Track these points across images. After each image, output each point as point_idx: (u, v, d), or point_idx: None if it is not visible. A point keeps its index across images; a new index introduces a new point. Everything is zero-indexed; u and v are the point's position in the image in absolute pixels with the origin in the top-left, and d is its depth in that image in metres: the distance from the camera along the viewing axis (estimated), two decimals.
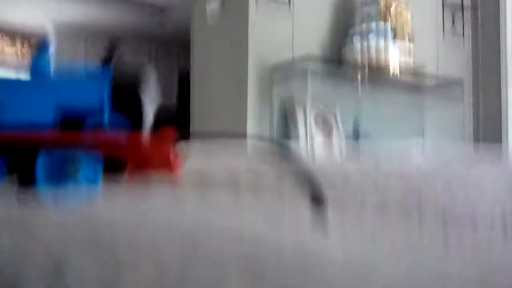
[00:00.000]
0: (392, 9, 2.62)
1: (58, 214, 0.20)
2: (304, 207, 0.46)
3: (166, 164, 0.38)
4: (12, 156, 0.34)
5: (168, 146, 0.39)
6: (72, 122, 0.34)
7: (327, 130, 2.58)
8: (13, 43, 6.26)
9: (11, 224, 0.18)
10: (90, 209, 0.21)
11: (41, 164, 0.34)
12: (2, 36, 6.15)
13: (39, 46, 0.37)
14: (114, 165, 0.37)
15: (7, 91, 0.33)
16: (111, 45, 0.38)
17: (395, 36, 2.59)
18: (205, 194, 0.28)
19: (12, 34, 6.20)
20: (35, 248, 0.17)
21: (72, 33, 6.01)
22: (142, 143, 0.37)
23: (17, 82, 0.35)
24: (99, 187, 0.35)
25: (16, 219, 0.19)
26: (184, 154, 0.40)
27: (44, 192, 0.34)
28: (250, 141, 0.54)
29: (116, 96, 0.36)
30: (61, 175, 0.34)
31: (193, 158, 0.46)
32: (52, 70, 0.36)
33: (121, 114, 0.36)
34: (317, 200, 0.48)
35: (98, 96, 0.35)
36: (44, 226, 0.18)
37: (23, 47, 6.34)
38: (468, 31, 3.33)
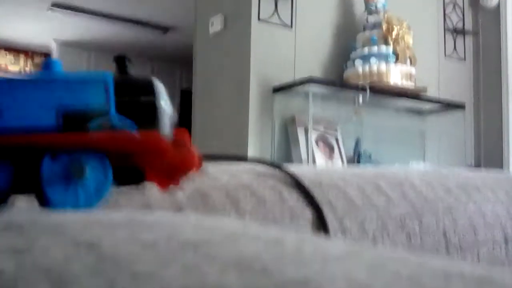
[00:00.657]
0: (394, 33, 2.64)
1: (62, 235, 0.20)
2: (306, 232, 0.46)
3: (187, 163, 0.35)
4: (17, 161, 0.33)
5: (187, 145, 0.36)
6: (76, 123, 0.33)
7: (328, 152, 2.58)
8: (17, 61, 6.31)
9: (14, 250, 0.18)
10: (92, 230, 0.21)
11: (46, 169, 0.32)
12: (6, 54, 6.20)
13: (44, 64, 0.36)
14: (131, 170, 0.35)
15: (7, 93, 0.32)
16: (120, 60, 0.37)
17: (396, 60, 2.60)
18: (206, 218, 0.28)
19: (16, 51, 6.25)
20: (36, 270, 0.16)
21: (75, 51, 6.06)
22: (159, 140, 0.34)
23: (17, 82, 0.33)
24: (108, 192, 0.34)
25: (19, 242, 0.19)
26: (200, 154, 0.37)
27: (50, 199, 0.32)
28: (251, 164, 0.54)
29: (127, 103, 0.34)
30: (67, 180, 0.33)
31: (192, 179, 0.46)
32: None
33: (129, 118, 0.34)
34: (320, 225, 0.47)
35: (103, 96, 0.34)
36: (47, 249, 0.18)
37: (27, 64, 6.38)
38: (469, 55, 3.36)
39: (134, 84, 0.36)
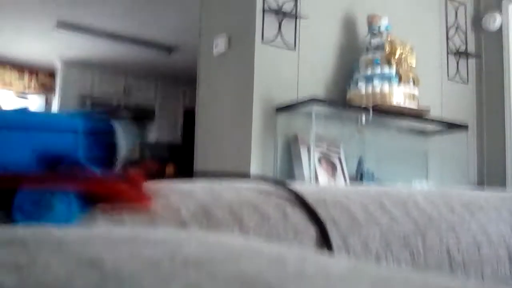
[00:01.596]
0: (397, 54, 2.65)
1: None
2: (310, 250, 0.45)
3: (137, 199, 0.41)
4: None
5: (139, 184, 0.43)
6: (48, 163, 0.38)
7: (331, 171, 2.58)
8: (21, 78, 6.34)
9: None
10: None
11: (18, 204, 0.36)
12: (10, 70, 6.23)
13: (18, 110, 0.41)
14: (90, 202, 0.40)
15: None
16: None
17: (399, 81, 2.61)
18: (209, 234, 0.27)
19: (21, 68, 6.29)
20: (38, 286, 0.16)
21: (80, 70, 6.09)
22: (112, 180, 0.40)
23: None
24: (75, 222, 0.38)
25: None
26: (154, 194, 0.44)
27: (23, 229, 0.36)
28: (254, 181, 0.54)
29: (93, 141, 0.41)
30: (37, 214, 0.37)
31: (195, 195, 0.46)
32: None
33: (97, 158, 0.40)
34: (323, 242, 0.47)
35: (73, 139, 0.40)
36: (49, 265, 0.18)
37: (31, 80, 6.41)
38: (472, 77, 3.37)
39: (99, 128, 0.43)
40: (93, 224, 0.37)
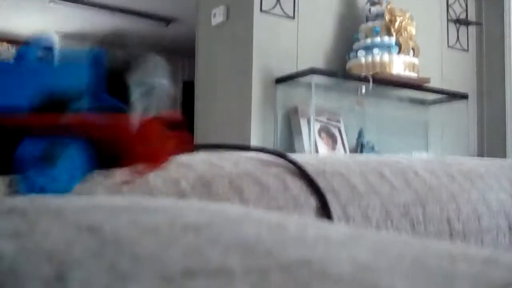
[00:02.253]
0: (397, 24, 2.62)
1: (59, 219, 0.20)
2: (310, 219, 0.46)
3: (152, 158, 0.34)
4: None
5: (155, 138, 0.35)
6: (54, 106, 0.31)
7: (331, 143, 2.58)
8: None
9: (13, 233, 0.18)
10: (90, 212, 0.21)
11: (21, 152, 0.31)
12: (8, 47, 6.20)
13: (18, 54, 0.35)
14: (108, 154, 0.34)
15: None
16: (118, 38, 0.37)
17: (399, 50, 2.59)
18: (209, 203, 0.27)
19: (18, 44, 6.25)
20: (38, 253, 0.16)
21: (77, 43, 6.05)
22: (123, 130, 0.33)
23: None
24: (86, 177, 0.33)
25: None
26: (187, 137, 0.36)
27: (23, 183, 0.31)
28: (254, 153, 0.53)
29: (109, 82, 0.33)
30: (42, 164, 0.31)
31: (194, 167, 0.46)
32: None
33: (117, 100, 0.32)
34: (323, 213, 0.47)
35: (82, 79, 0.32)
36: (49, 232, 0.18)
37: None
38: (472, 45, 3.34)
39: (122, 62, 0.34)
40: (92, 194, 0.36)
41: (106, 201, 0.23)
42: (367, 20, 2.74)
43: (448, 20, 3.24)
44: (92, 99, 0.32)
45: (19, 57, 0.33)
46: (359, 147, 2.67)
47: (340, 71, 2.68)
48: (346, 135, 2.65)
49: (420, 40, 2.72)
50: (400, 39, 2.61)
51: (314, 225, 0.21)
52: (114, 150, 0.34)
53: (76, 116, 0.32)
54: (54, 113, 0.31)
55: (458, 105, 2.96)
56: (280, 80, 2.54)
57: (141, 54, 0.35)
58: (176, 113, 0.36)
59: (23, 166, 0.31)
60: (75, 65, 0.33)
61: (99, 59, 0.33)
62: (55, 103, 0.31)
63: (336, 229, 0.22)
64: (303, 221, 0.22)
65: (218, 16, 2.75)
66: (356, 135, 2.69)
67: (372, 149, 2.68)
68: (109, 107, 0.32)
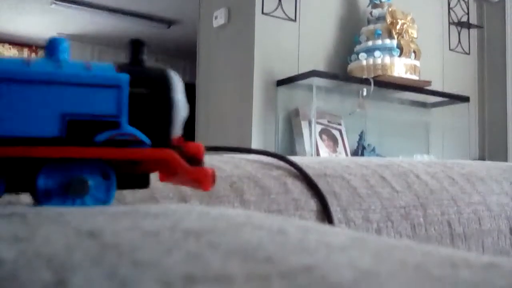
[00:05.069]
0: (398, 26, 2.62)
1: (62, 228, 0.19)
2: (311, 223, 0.45)
3: (201, 185, 0.31)
4: (11, 174, 0.28)
5: (199, 163, 0.32)
6: (81, 133, 0.28)
7: (332, 145, 2.58)
8: (21, 55, 6.31)
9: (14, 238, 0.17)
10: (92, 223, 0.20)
11: (42, 183, 0.28)
12: (9, 48, 6.20)
13: (49, 46, 0.31)
14: (136, 182, 0.32)
15: (3, 96, 0.27)
16: (135, 45, 0.33)
17: (401, 53, 2.59)
18: (210, 208, 0.27)
19: (20, 45, 6.25)
20: (38, 258, 0.16)
21: (79, 45, 6.06)
22: (173, 159, 0.30)
23: (16, 83, 0.27)
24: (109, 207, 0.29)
25: (20, 232, 0.18)
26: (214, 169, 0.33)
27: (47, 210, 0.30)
28: (255, 155, 0.53)
29: (137, 103, 0.30)
30: (66, 196, 0.29)
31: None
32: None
33: (141, 126, 0.30)
34: (324, 215, 0.47)
35: (114, 104, 0.29)
36: (49, 237, 0.18)
37: (30, 57, 6.40)
38: (474, 48, 3.34)
39: (147, 79, 0.31)
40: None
41: (106, 207, 0.23)
42: (368, 23, 2.74)
43: (449, 23, 3.25)
44: (120, 129, 0.29)
45: (42, 75, 0.29)
46: (360, 149, 2.67)
47: (341, 73, 2.68)
48: (347, 137, 2.65)
49: (421, 43, 2.72)
50: (402, 42, 2.61)
51: (315, 229, 0.21)
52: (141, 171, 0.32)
53: (108, 150, 0.29)
54: (80, 144, 0.28)
55: (459, 107, 2.96)
56: (281, 82, 2.54)
57: (161, 70, 0.32)
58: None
59: (46, 197, 0.29)
60: (103, 87, 0.29)
61: (126, 84, 0.29)
62: (82, 131, 0.28)
63: (337, 233, 0.21)
64: (304, 226, 0.21)
65: (219, 18, 2.75)
66: (357, 138, 2.69)
67: (373, 151, 2.67)
68: (136, 138, 0.29)
